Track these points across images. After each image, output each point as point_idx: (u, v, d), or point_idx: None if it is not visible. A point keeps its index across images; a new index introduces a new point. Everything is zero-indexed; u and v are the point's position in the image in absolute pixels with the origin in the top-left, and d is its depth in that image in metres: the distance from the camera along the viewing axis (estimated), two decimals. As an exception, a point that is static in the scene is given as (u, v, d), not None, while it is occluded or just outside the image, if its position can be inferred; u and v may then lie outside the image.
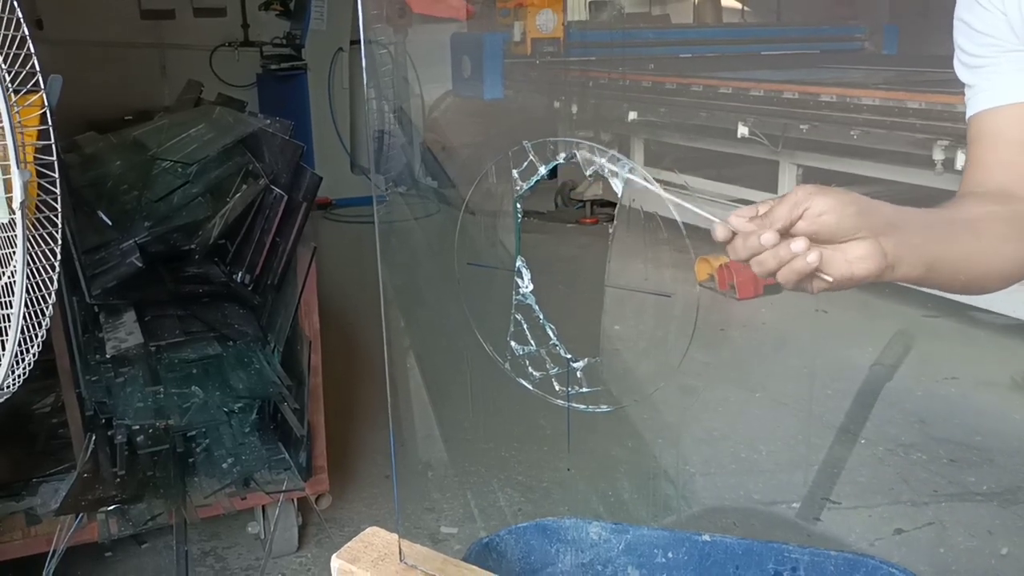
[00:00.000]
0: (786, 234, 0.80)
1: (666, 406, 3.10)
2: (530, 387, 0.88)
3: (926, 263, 0.85)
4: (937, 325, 3.74)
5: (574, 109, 6.08)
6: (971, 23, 0.99)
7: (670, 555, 1.12)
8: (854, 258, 0.80)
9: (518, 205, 0.86)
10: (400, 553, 0.88)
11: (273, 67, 6.39)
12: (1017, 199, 0.95)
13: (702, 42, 7.31)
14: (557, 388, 0.88)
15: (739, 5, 9.01)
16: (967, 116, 1.01)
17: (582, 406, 0.87)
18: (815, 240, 0.80)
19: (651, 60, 6.35)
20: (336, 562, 0.88)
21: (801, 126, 4.30)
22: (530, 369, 0.89)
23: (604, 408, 0.87)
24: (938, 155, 3.62)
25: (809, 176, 4.59)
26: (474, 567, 0.90)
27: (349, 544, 0.90)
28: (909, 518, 2.45)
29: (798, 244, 0.79)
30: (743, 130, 4.50)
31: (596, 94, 6.02)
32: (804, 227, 0.80)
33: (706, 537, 1.11)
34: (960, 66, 1.02)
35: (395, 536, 0.89)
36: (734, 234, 0.82)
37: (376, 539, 0.92)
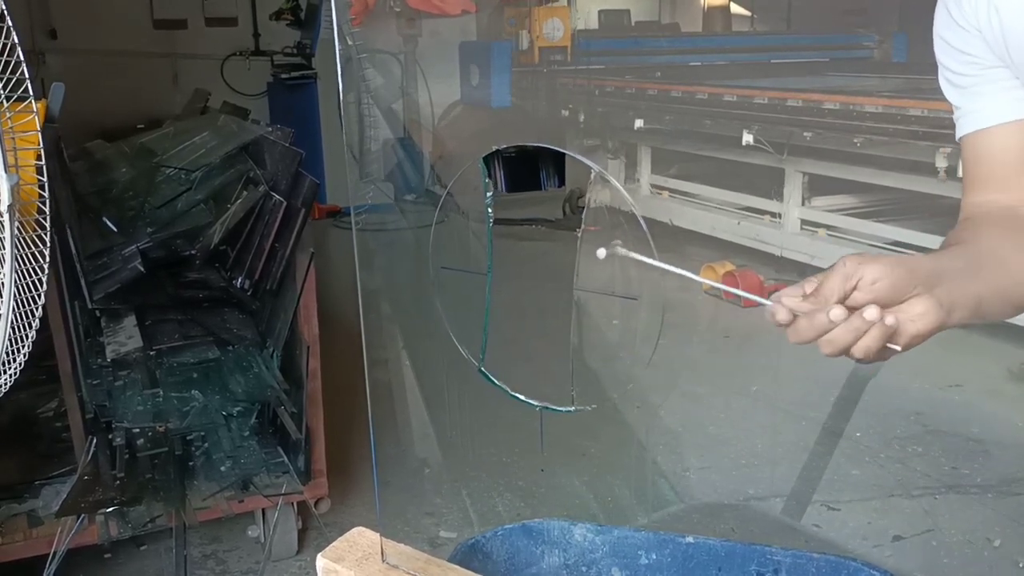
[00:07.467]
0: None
1: (669, 412, 3.10)
2: (507, 389, 0.89)
3: (974, 303, 0.85)
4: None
5: (581, 117, 6.10)
6: (950, 41, 0.98)
7: (654, 556, 1.13)
8: (916, 316, 0.80)
9: (490, 211, 0.88)
10: (382, 553, 0.89)
11: (283, 76, 6.44)
12: (1020, 216, 0.95)
13: (711, 50, 7.32)
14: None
15: (748, 14, 9.01)
16: (957, 136, 1.01)
17: (555, 407, 0.88)
18: None
19: (659, 68, 6.37)
20: (321, 561, 0.89)
21: (805, 134, 4.30)
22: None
23: (574, 409, 0.89)
24: (941, 162, 3.61)
25: (815, 183, 4.59)
26: (455, 566, 0.91)
27: (334, 543, 0.91)
28: (905, 514, 2.46)
29: (871, 312, 0.77)
30: (748, 138, 4.50)
31: (603, 102, 6.03)
32: (861, 297, 0.79)
33: (689, 539, 1.11)
34: (946, 84, 1.01)
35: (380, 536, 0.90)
36: (794, 316, 0.80)
37: (361, 539, 0.93)
